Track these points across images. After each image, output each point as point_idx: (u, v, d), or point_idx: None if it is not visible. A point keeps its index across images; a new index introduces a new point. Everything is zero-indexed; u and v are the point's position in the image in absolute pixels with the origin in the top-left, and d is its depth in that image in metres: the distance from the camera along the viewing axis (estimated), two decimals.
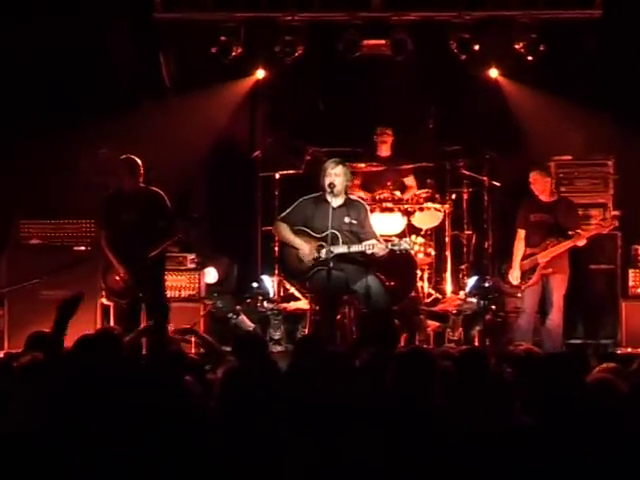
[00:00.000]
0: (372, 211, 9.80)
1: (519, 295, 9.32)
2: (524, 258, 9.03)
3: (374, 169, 10.49)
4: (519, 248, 9.08)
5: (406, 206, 10.31)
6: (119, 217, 8.44)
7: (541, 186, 9.02)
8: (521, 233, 9.11)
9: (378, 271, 8.60)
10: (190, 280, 9.91)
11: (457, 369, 5.13)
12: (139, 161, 8.52)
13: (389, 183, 10.43)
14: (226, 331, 9.78)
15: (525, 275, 9.01)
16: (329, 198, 8.06)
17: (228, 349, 8.38)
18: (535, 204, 9.07)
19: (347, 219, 8.16)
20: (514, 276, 9.03)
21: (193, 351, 8.83)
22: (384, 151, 10.73)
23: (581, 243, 8.91)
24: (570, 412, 4.52)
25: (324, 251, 8.06)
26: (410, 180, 10.72)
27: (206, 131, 10.98)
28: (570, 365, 4.91)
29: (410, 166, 10.61)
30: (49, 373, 4.64)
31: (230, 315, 9.97)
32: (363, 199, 8.93)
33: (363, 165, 10.53)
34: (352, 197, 8.51)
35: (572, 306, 9.25)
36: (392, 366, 4.73)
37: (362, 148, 10.80)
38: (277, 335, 9.73)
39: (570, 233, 8.91)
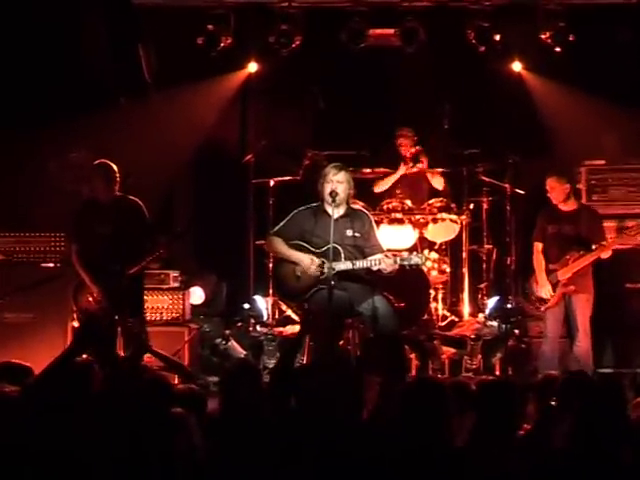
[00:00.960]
0: (379, 222, 9.85)
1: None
2: None
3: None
4: (539, 260, 9.08)
5: (418, 217, 10.34)
6: (93, 230, 8.48)
7: (559, 194, 9.03)
8: (538, 246, 9.13)
9: (386, 290, 8.59)
10: (173, 301, 9.92)
11: (476, 403, 5.14)
12: (115, 167, 8.56)
13: (399, 191, 10.45)
14: (214, 359, 9.79)
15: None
16: (329, 208, 8.08)
17: (215, 379, 8.42)
18: (553, 214, 9.10)
19: (350, 232, 8.18)
20: (546, 290, 8.99)
21: (177, 381, 8.82)
22: (405, 151, 10.81)
23: (606, 255, 8.91)
24: (611, 451, 4.56)
25: (325, 268, 8.07)
26: (438, 181, 10.74)
27: (191, 132, 11.02)
28: (605, 397, 4.94)
29: (438, 170, 10.68)
30: (20, 406, 4.66)
31: (218, 341, 9.95)
32: (367, 209, 8.94)
33: (369, 170, 10.56)
34: (355, 207, 8.52)
35: (602, 330, 9.25)
36: (398, 400, 4.73)
37: (382, 149, 10.88)
38: (271, 363, 9.72)
39: (594, 246, 8.92)
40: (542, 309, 9.07)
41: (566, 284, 8.92)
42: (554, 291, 8.95)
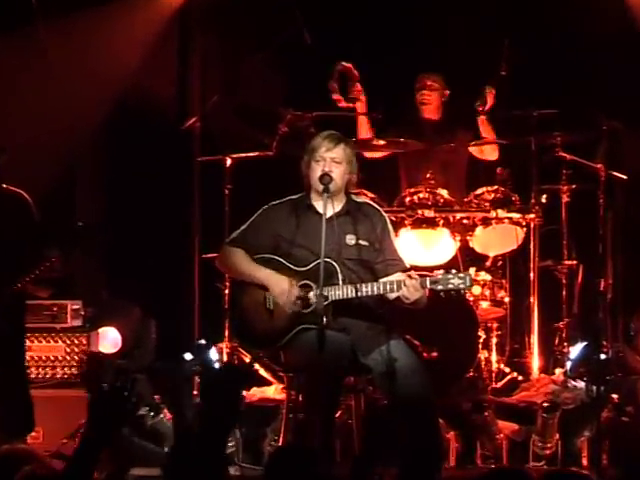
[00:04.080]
0: (399, 224, 9.96)
1: None
2: None
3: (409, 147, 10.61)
4: None
5: (459, 216, 10.38)
6: None
7: None
8: None
9: (409, 332, 8.59)
10: (72, 348, 9.94)
11: None
12: None
13: (428, 175, 10.45)
14: (135, 440, 9.73)
15: None
16: (319, 202, 8.04)
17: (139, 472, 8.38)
18: None
19: (352, 238, 8.14)
20: None
21: None
22: (430, 112, 11.01)
23: None
24: None
25: (312, 295, 8.03)
26: (490, 149, 10.95)
27: (103, 83, 11.12)
28: None
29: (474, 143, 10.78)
30: None
31: (144, 411, 9.91)
32: (380, 203, 8.92)
33: (382, 142, 10.58)
34: (359, 200, 8.47)
35: None
36: None
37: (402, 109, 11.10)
38: (229, 447, 9.68)
39: None
40: None
41: None
42: None
